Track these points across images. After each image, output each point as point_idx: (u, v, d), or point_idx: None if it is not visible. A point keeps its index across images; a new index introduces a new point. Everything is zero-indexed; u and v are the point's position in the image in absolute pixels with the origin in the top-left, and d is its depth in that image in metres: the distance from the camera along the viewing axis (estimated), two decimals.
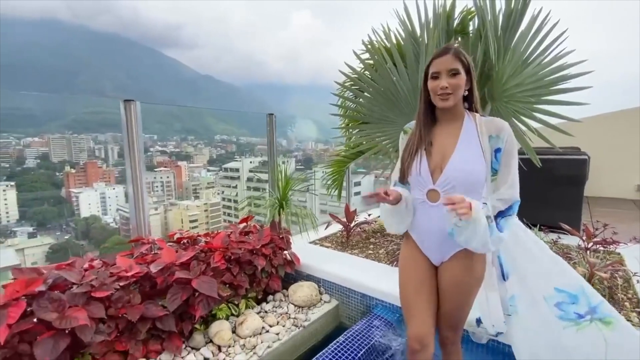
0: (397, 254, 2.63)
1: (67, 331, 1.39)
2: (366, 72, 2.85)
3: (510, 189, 1.20)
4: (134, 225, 2.13)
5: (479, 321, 1.66)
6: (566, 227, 2.66)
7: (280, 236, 2.50)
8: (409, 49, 2.43)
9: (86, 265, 1.71)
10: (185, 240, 2.20)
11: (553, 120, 2.49)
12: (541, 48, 2.49)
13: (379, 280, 2.33)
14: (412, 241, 1.38)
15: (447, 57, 1.20)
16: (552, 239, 2.80)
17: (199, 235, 2.24)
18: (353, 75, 2.95)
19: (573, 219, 3.13)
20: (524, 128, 2.50)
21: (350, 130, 3.19)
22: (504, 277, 1.43)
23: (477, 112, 1.28)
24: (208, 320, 2.02)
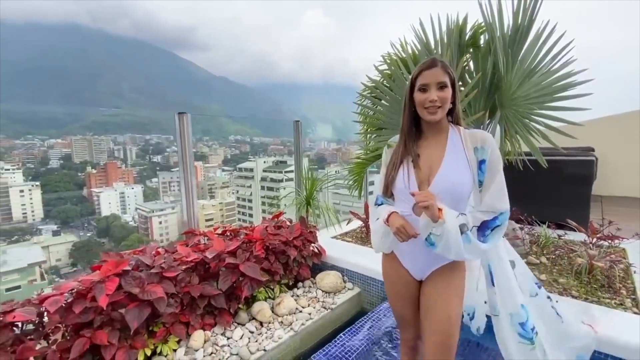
0: None
1: (146, 303, 1.73)
2: (384, 81, 3.13)
3: (495, 200, 1.18)
4: (185, 220, 2.48)
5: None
6: (572, 223, 2.86)
7: (309, 230, 2.81)
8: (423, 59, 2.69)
9: (153, 252, 2.05)
10: (228, 232, 2.54)
11: (559, 124, 2.71)
12: (547, 59, 2.71)
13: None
14: (394, 255, 1.39)
15: (436, 70, 1.19)
16: (558, 235, 3.00)
17: (240, 229, 2.57)
18: (371, 84, 3.23)
19: (581, 217, 3.31)
20: (532, 130, 2.73)
21: (369, 135, 3.47)
22: (492, 283, 1.44)
23: (459, 124, 1.29)
24: (249, 301, 2.34)
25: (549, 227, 3.22)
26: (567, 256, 2.70)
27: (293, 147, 3.27)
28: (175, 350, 1.86)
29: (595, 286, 2.20)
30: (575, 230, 2.93)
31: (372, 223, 1.43)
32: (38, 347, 1.54)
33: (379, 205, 1.40)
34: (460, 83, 2.75)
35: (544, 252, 2.85)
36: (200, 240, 2.41)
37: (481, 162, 1.20)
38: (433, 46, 2.88)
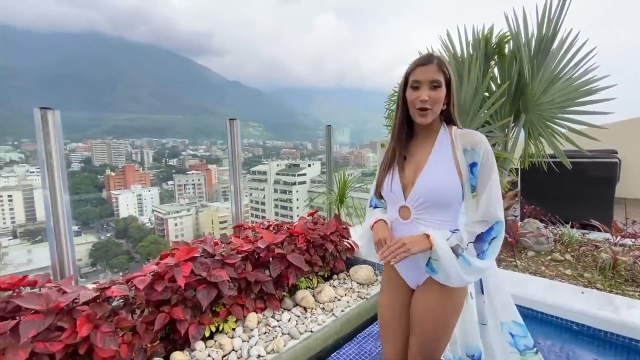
0: None
1: (213, 285, 1.98)
2: None
3: (489, 207, 1.08)
4: (234, 216, 2.74)
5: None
6: (596, 223, 2.99)
7: (343, 227, 3.02)
8: (453, 69, 2.88)
9: (213, 242, 2.31)
10: (272, 227, 2.78)
11: (582, 127, 2.85)
12: (570, 65, 2.86)
13: None
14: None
15: (430, 67, 1.10)
16: (582, 233, 3.12)
17: (283, 224, 2.81)
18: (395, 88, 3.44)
19: (604, 217, 3.41)
20: (556, 134, 2.88)
21: None
22: (482, 291, 1.38)
23: (454, 124, 1.21)
24: (291, 290, 2.57)
25: (572, 227, 3.34)
26: (592, 253, 2.82)
27: (325, 150, 3.50)
28: (234, 329, 2.09)
29: (619, 280, 2.33)
30: (599, 231, 3.05)
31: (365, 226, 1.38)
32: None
33: (373, 207, 1.37)
34: (487, 93, 2.92)
35: (568, 249, 2.97)
36: (248, 233, 2.66)
37: (472, 165, 1.11)
38: (460, 54, 3.07)
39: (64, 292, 1.63)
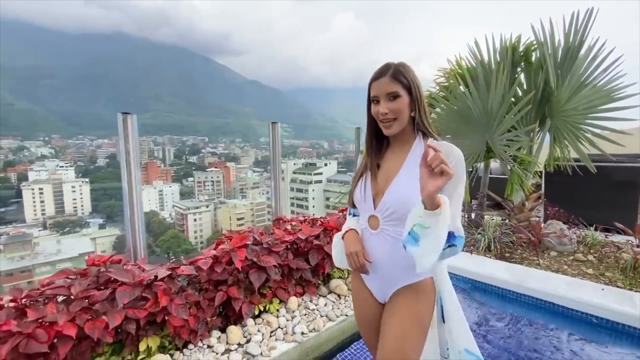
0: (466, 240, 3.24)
1: (262, 269, 2.25)
2: (440, 92, 3.51)
3: (455, 219, 1.02)
4: (274, 210, 3.01)
5: None
6: (619, 225, 3.07)
7: None
8: (481, 77, 3.04)
9: (259, 232, 2.58)
10: (308, 221, 3.03)
11: (606, 132, 2.96)
12: (596, 74, 2.97)
13: (450, 259, 2.97)
14: (357, 273, 1.27)
15: (383, 80, 1.08)
16: (605, 235, 3.21)
17: (318, 218, 3.05)
18: (426, 92, 3.63)
19: (628, 220, 3.47)
20: (581, 139, 2.99)
21: None
22: (443, 319, 1.23)
23: (431, 135, 1.16)
24: (325, 279, 2.81)
25: (595, 229, 3.43)
26: (614, 255, 2.92)
27: (354, 151, 3.72)
28: (278, 310, 2.35)
29: (639, 280, 2.44)
30: (621, 234, 3.13)
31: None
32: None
33: (352, 215, 1.34)
34: (513, 99, 3.06)
35: (591, 250, 3.08)
36: (288, 226, 2.92)
37: None
38: (486, 60, 3.22)
39: (143, 270, 1.94)
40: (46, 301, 1.67)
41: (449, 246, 0.99)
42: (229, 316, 2.19)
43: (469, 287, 2.70)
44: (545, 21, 2.94)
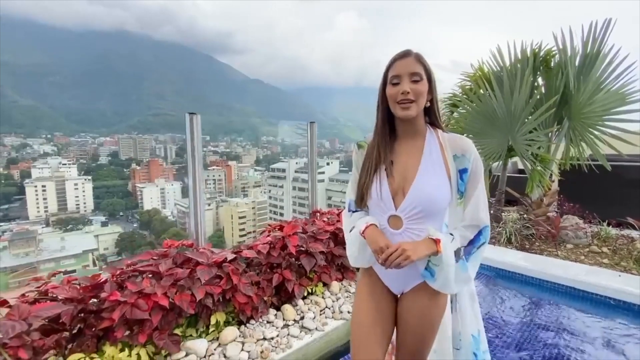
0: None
1: (311, 255, 2.49)
2: (463, 94, 3.74)
3: (479, 212, 1.07)
4: (310, 203, 3.25)
5: None
6: (632, 220, 3.31)
7: None
8: (505, 81, 3.28)
9: (303, 222, 2.82)
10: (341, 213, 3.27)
11: (621, 133, 3.19)
12: (611, 78, 3.20)
13: None
14: (372, 269, 1.24)
15: (409, 60, 1.07)
16: (619, 229, 3.44)
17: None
18: (448, 95, 3.87)
19: None
20: (597, 139, 3.22)
21: None
22: (452, 310, 1.28)
23: (439, 127, 1.16)
24: None
25: (609, 224, 3.66)
26: (627, 247, 3.15)
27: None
28: (323, 292, 2.59)
29: None
30: (634, 229, 3.36)
31: (347, 232, 1.27)
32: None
33: (351, 211, 1.27)
34: (530, 100, 3.29)
35: (605, 243, 3.31)
36: (325, 218, 3.16)
37: (462, 171, 1.09)
38: (509, 66, 3.45)
39: (212, 252, 2.18)
40: (140, 277, 1.91)
41: (478, 247, 1.08)
42: (281, 296, 2.43)
43: (493, 274, 2.94)
44: (565, 29, 3.15)
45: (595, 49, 3.02)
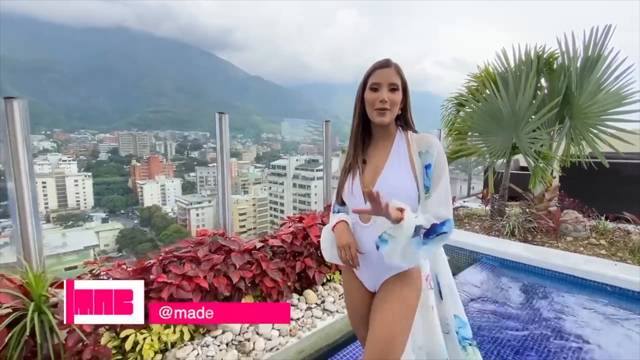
0: (491, 227, 3.68)
1: None
2: (470, 94, 3.93)
3: (440, 206, 1.10)
4: (325, 198, 3.44)
5: None
6: (628, 215, 3.50)
7: None
8: (510, 82, 3.46)
9: (320, 214, 3.01)
10: None
11: (619, 132, 3.37)
12: (610, 79, 3.38)
13: (480, 242, 3.42)
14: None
15: (389, 70, 1.15)
16: (616, 223, 3.64)
17: None
18: (454, 95, 4.05)
19: (637, 212, 3.88)
20: (597, 137, 3.40)
21: (449, 138, 4.28)
22: (441, 296, 1.33)
23: (410, 129, 1.24)
24: None
25: (606, 219, 3.85)
26: (623, 240, 3.35)
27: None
28: (340, 280, 2.79)
29: None
30: (630, 223, 3.56)
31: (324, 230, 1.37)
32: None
33: (335, 213, 1.35)
34: (534, 101, 3.48)
35: (602, 236, 3.51)
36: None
37: (427, 167, 1.15)
38: (514, 67, 3.62)
39: (242, 241, 2.37)
40: (179, 262, 2.10)
41: (438, 235, 1.07)
42: (302, 282, 2.63)
43: (498, 264, 3.14)
44: (568, 33, 3.35)
45: (596, 53, 3.20)
